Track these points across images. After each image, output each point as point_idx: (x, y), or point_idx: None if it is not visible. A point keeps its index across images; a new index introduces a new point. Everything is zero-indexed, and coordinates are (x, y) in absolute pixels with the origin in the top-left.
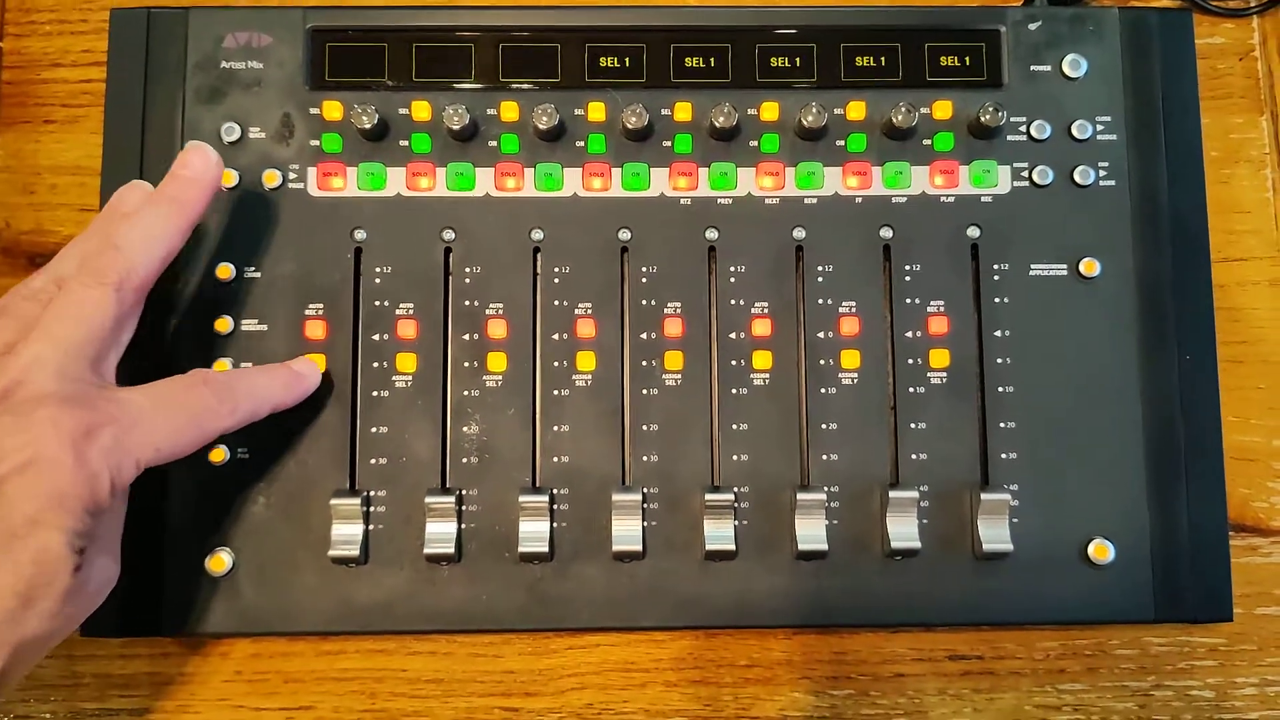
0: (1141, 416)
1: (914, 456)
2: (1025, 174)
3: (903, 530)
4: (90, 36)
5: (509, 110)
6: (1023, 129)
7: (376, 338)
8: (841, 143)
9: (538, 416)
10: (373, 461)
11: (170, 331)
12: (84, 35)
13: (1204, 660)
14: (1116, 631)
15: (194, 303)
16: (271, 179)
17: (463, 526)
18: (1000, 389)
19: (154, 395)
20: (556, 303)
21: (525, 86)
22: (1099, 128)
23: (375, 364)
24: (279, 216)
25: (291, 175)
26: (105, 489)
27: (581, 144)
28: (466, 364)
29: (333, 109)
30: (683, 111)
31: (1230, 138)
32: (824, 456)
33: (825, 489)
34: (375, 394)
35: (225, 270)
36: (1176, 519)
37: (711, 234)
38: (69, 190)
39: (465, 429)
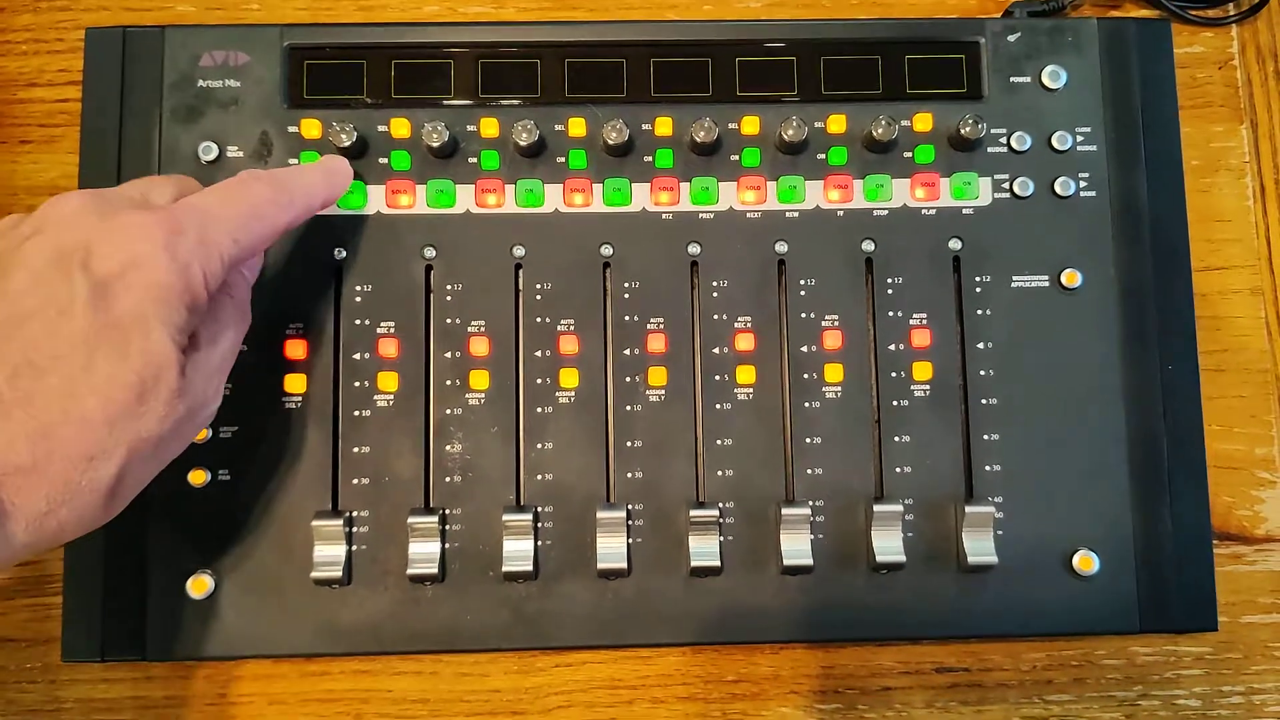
0: (1124, 427)
1: (898, 470)
2: (1006, 186)
3: (888, 544)
4: (66, 56)
5: (489, 127)
6: (1003, 140)
7: (357, 356)
8: (822, 156)
9: (521, 434)
10: (355, 481)
11: None
12: (60, 55)
13: (1190, 670)
14: (1103, 642)
15: None
16: None
17: (446, 546)
18: (983, 401)
19: (217, 194)
20: (539, 319)
21: (505, 103)
22: (1079, 138)
23: (356, 383)
24: None
25: None
26: (200, 284)
27: (562, 160)
28: (449, 382)
29: (311, 127)
30: (663, 126)
31: (1210, 146)
32: (808, 471)
33: (810, 503)
34: (357, 413)
35: None
36: (1161, 529)
37: (694, 249)
38: None
39: (448, 448)
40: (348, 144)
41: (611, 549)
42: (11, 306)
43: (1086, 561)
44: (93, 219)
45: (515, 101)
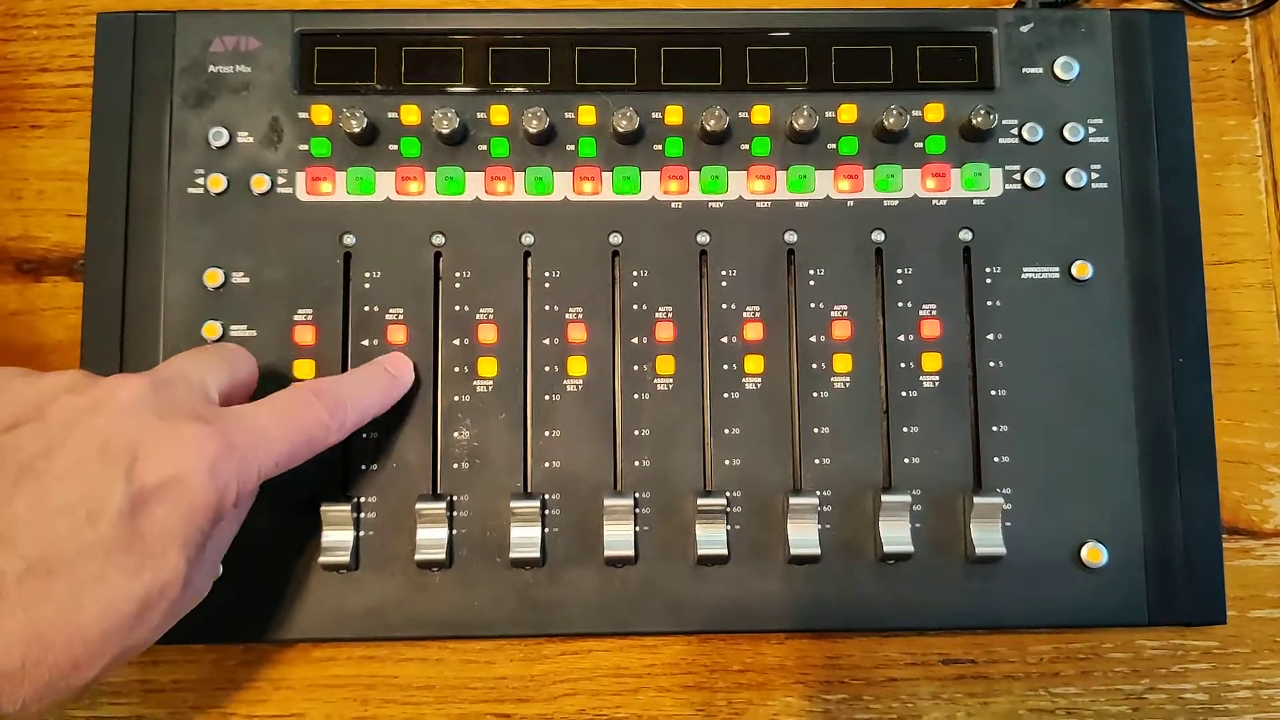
0: (1134, 420)
1: (906, 460)
2: (1017, 177)
3: (895, 534)
4: (77, 41)
5: (499, 114)
6: (1014, 132)
7: (366, 343)
8: (833, 146)
9: (529, 422)
10: (363, 467)
11: (160, 337)
12: (71, 40)
13: (1198, 663)
14: (1110, 635)
15: (183, 308)
16: (260, 184)
17: (454, 532)
18: (993, 392)
19: (274, 413)
20: (547, 307)
21: (515, 90)
22: (1091, 130)
23: None
24: (267, 221)
25: (280, 180)
26: (231, 502)
27: (572, 148)
28: (457, 369)
29: (321, 113)
30: (673, 115)
31: (1223, 140)
32: (816, 461)
33: (817, 493)
34: None
35: (214, 276)
36: (1170, 522)
37: (703, 238)
38: (56, 195)
39: (456, 434)
40: (357, 130)
41: (619, 537)
42: (47, 490)
43: (1095, 554)
44: (149, 417)
45: (525, 89)
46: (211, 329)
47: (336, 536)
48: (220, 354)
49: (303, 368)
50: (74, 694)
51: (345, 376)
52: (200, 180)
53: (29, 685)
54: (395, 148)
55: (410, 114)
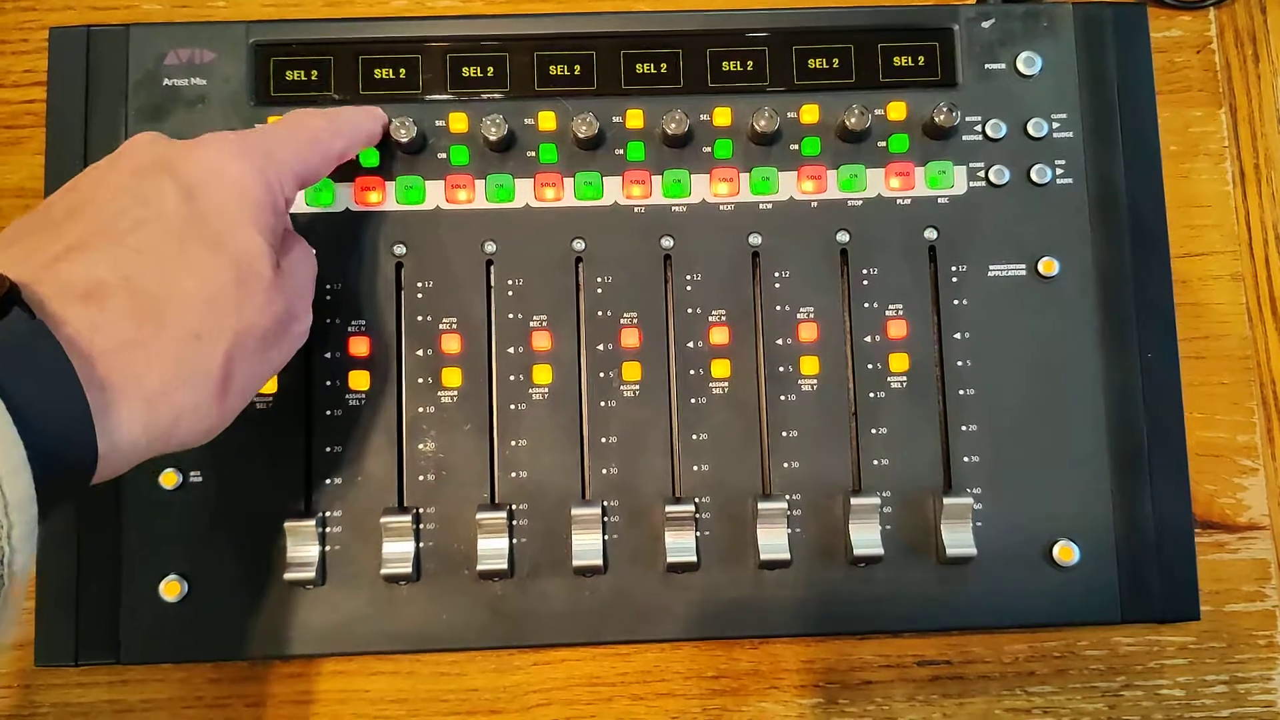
0: (1104, 415)
1: (875, 462)
2: (982, 174)
3: (865, 537)
4: (31, 56)
5: (458, 121)
6: (978, 128)
7: (328, 355)
8: (795, 147)
9: (495, 432)
10: (328, 481)
11: None
12: (25, 55)
13: (1173, 659)
14: (1085, 633)
15: None
16: None
17: (421, 545)
18: (961, 392)
19: (275, 125)
20: (511, 315)
21: (475, 97)
22: (1055, 125)
23: (328, 382)
24: None
25: None
26: (279, 193)
27: (533, 154)
28: (420, 380)
29: None
30: (634, 119)
31: (1189, 131)
32: (785, 464)
33: (787, 497)
34: (329, 413)
35: None
36: (1141, 518)
37: (667, 242)
38: (13, 212)
39: (421, 446)
40: None
41: (587, 546)
42: (102, 207)
43: (1067, 552)
44: (170, 143)
45: (485, 95)
46: None
47: (302, 552)
48: None
49: (266, 382)
50: (215, 384)
51: (333, 109)
52: None
53: (157, 357)
54: (354, 158)
55: None
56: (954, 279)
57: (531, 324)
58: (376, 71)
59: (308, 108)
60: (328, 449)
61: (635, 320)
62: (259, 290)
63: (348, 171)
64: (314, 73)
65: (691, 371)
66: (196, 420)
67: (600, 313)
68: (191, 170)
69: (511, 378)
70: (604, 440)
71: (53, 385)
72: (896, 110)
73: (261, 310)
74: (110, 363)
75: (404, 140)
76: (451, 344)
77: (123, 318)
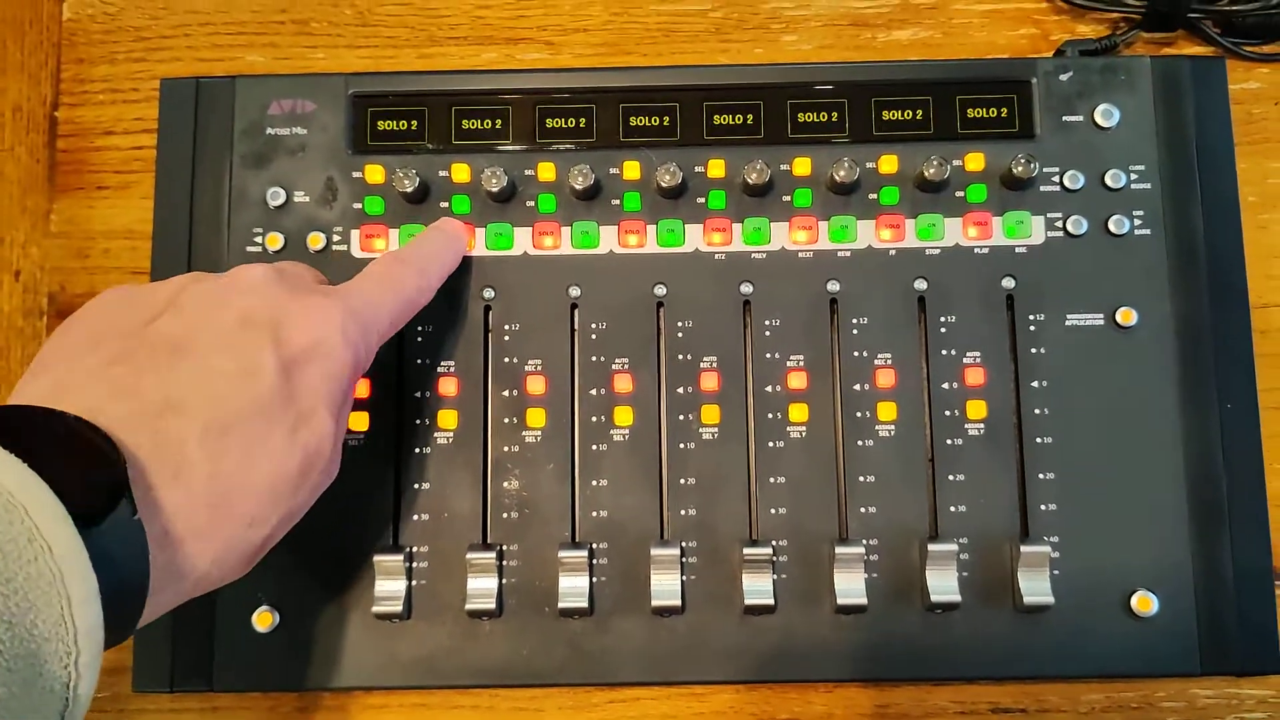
0: (1183, 466)
1: (952, 509)
2: (1059, 224)
3: (942, 583)
4: (141, 105)
5: (546, 171)
6: (1056, 179)
7: (419, 395)
8: (874, 196)
9: (576, 471)
10: (415, 518)
11: None
12: (135, 104)
13: (1252, 712)
14: (1162, 684)
15: None
16: (316, 241)
17: (503, 582)
18: (1038, 440)
19: (375, 281)
20: (594, 358)
21: (561, 147)
22: (1133, 176)
23: (418, 421)
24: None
25: (335, 237)
26: (362, 368)
27: (617, 202)
28: (506, 420)
29: (375, 172)
30: (716, 168)
31: (1268, 182)
32: (862, 509)
33: (864, 542)
34: (418, 450)
35: None
36: (1221, 569)
37: (746, 288)
38: (121, 254)
39: (505, 484)
40: (410, 189)
41: (666, 586)
42: (202, 361)
43: (1145, 602)
44: (280, 291)
45: (571, 146)
46: None
47: (389, 586)
48: (301, 265)
49: (357, 420)
50: (249, 559)
51: (412, 243)
52: (259, 239)
53: (214, 545)
54: (446, 205)
55: (460, 172)
56: (1031, 328)
57: (613, 366)
58: (467, 122)
59: (400, 252)
60: (416, 485)
61: (714, 364)
62: (317, 472)
63: (440, 218)
64: (409, 123)
65: (770, 415)
66: (220, 582)
67: (680, 356)
68: (297, 342)
69: (593, 419)
70: (683, 481)
71: (127, 554)
72: (974, 161)
73: (314, 491)
74: (177, 549)
75: (494, 189)
76: (536, 385)
77: (199, 505)
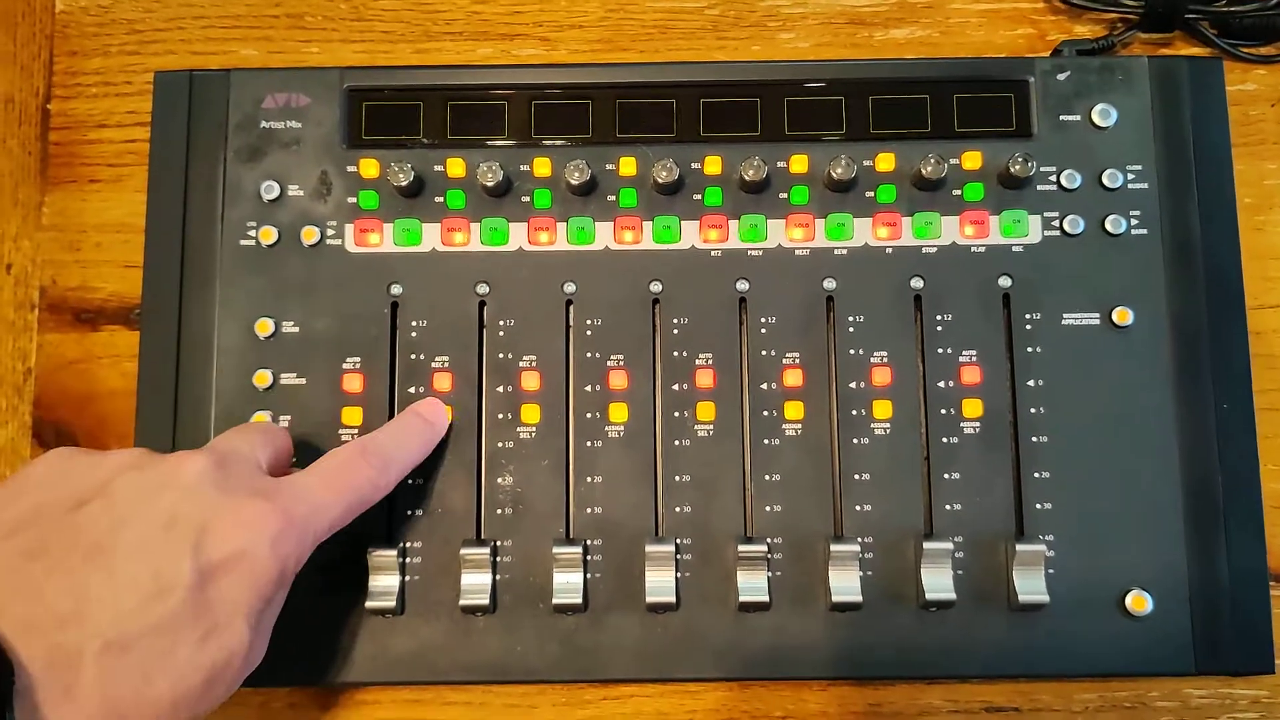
0: (1178, 466)
1: (948, 507)
2: (1056, 223)
3: (937, 581)
4: (134, 98)
5: (542, 166)
6: (1053, 178)
7: (412, 390)
8: (871, 194)
9: (571, 468)
10: (409, 513)
11: (212, 384)
12: (128, 97)
13: (1245, 712)
14: (1156, 683)
15: (234, 357)
16: (310, 235)
17: (497, 578)
18: (1034, 439)
19: (325, 479)
20: (589, 355)
21: (557, 143)
22: (1130, 176)
23: None
24: (317, 272)
25: (329, 232)
26: (291, 572)
27: (613, 198)
28: (500, 416)
29: (369, 167)
30: (713, 165)
31: (1265, 184)
32: (857, 507)
33: (859, 540)
34: None
35: (264, 325)
36: (1216, 569)
37: (742, 285)
38: (114, 247)
39: (500, 480)
40: (404, 183)
41: (660, 583)
42: (117, 567)
43: (1140, 601)
44: (213, 493)
45: (567, 141)
46: (262, 377)
47: (383, 581)
48: (264, 430)
49: (351, 414)
50: None
51: (385, 430)
52: (252, 232)
53: None
54: (441, 200)
55: (456, 167)
56: (1028, 326)
57: (609, 363)
58: (463, 117)
59: (362, 442)
60: (410, 481)
61: (710, 361)
62: (225, 685)
63: (435, 213)
64: (404, 117)
65: (765, 413)
66: None
67: (676, 353)
68: (219, 549)
69: (588, 415)
70: (678, 479)
71: None
72: (972, 160)
73: (220, 696)
74: None
75: (489, 184)
76: (531, 381)
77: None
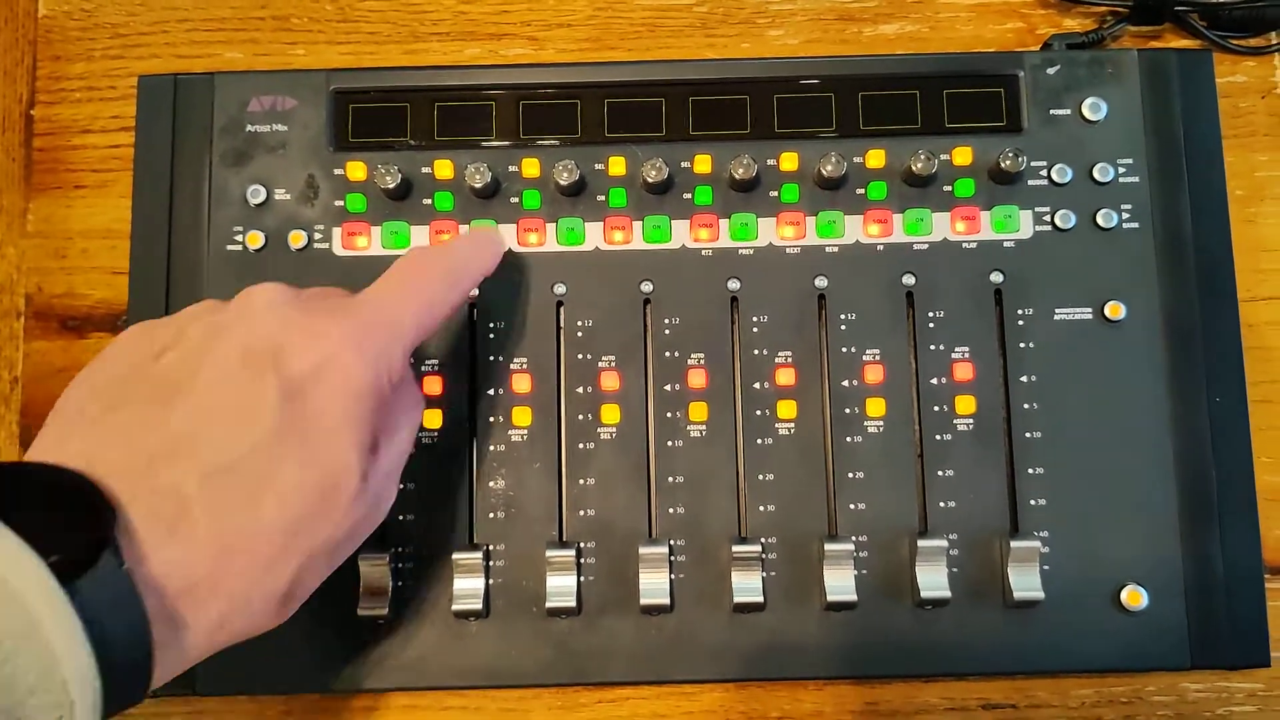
0: (1172, 460)
1: (942, 504)
2: (1047, 218)
3: (932, 579)
4: (119, 103)
5: (530, 167)
6: (1044, 173)
7: None
8: (861, 191)
9: (563, 470)
10: (401, 517)
11: None
12: (113, 102)
13: (1243, 706)
14: (1153, 678)
15: None
16: (297, 239)
17: (490, 582)
18: (1028, 434)
19: (395, 286)
20: (580, 356)
21: (546, 143)
22: (1121, 170)
23: None
24: (305, 276)
25: (317, 235)
26: (386, 382)
27: (602, 198)
28: (492, 419)
29: (356, 169)
30: (702, 164)
31: (1255, 175)
32: (851, 506)
33: (853, 539)
34: None
35: None
36: (1210, 563)
37: (733, 284)
38: (100, 254)
39: (492, 484)
40: (392, 186)
41: (654, 585)
42: (201, 401)
43: (1135, 596)
44: (285, 315)
45: (556, 141)
46: None
47: (376, 587)
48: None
49: None
50: (275, 605)
51: (449, 243)
52: (239, 237)
53: (223, 596)
54: (429, 202)
55: (444, 169)
56: (1020, 322)
57: (600, 364)
58: (450, 118)
59: (422, 253)
60: (402, 485)
61: (702, 361)
62: (342, 505)
63: (423, 215)
64: (391, 119)
65: (758, 412)
66: (252, 631)
67: (668, 353)
68: (302, 364)
69: (580, 417)
70: (671, 480)
71: (123, 618)
72: (962, 155)
73: (339, 524)
74: (180, 601)
75: (477, 186)
76: (522, 384)
77: (201, 555)
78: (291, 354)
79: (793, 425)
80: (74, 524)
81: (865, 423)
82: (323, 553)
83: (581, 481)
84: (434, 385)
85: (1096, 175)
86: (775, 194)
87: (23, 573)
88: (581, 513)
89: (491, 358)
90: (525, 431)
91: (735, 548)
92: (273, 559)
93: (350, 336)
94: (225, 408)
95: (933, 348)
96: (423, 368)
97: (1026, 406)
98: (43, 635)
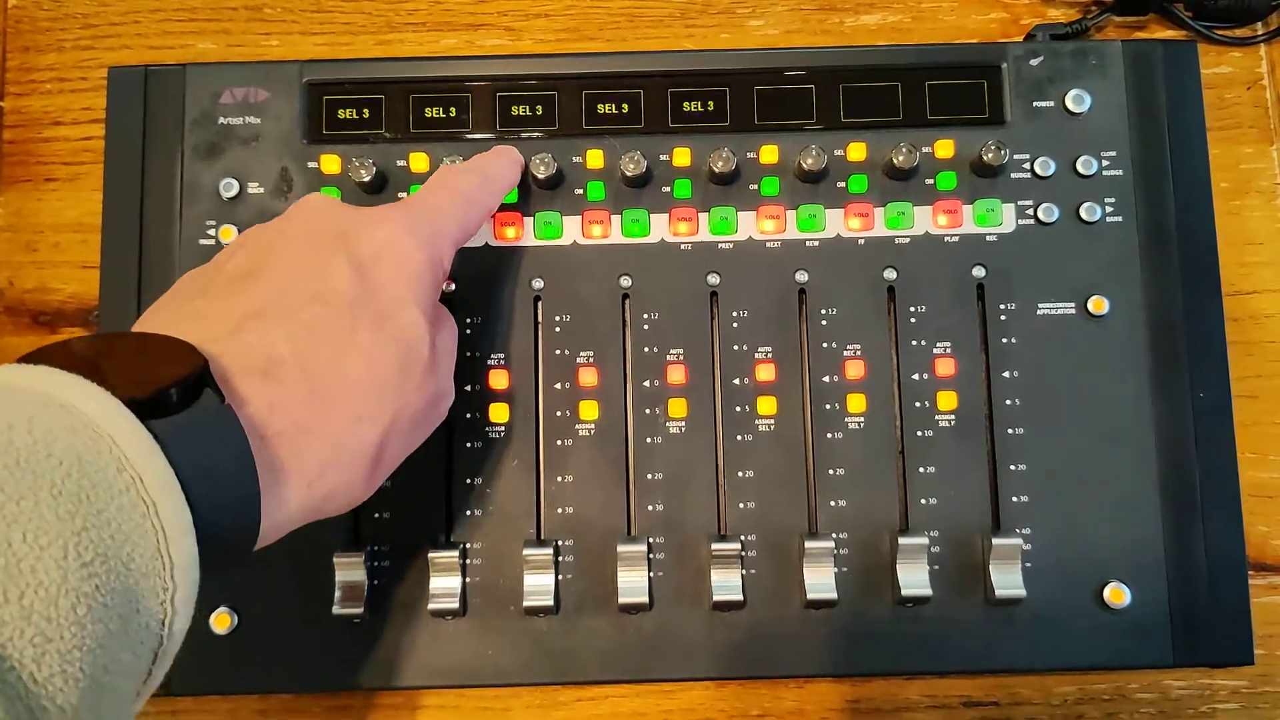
0: (1155, 456)
1: (923, 501)
2: (1030, 212)
3: (913, 577)
4: (90, 94)
5: None
6: (1026, 166)
7: None
8: (842, 184)
9: (541, 467)
10: (376, 515)
11: None
12: (84, 93)
13: (1225, 703)
14: (1135, 675)
15: None
16: None
17: (467, 580)
18: (1010, 431)
19: (434, 190)
20: (558, 352)
21: (523, 135)
22: (1104, 163)
23: None
24: None
25: None
26: (440, 266)
27: (580, 191)
28: (469, 415)
29: (330, 162)
30: (681, 157)
31: (1240, 168)
32: (832, 503)
33: (834, 536)
34: None
35: None
36: (1194, 560)
37: (713, 279)
38: (71, 248)
39: (469, 481)
40: (367, 179)
41: (633, 583)
42: (277, 275)
43: (1118, 594)
44: (342, 207)
45: (533, 134)
46: None
47: (350, 586)
48: None
49: None
50: (367, 463)
51: (476, 157)
52: (211, 231)
53: (320, 441)
54: (404, 195)
55: (419, 161)
56: (1003, 317)
57: (578, 360)
58: (427, 110)
59: (455, 165)
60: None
61: (681, 357)
62: (418, 371)
63: None
64: (365, 111)
65: (738, 408)
66: (345, 496)
67: (646, 349)
68: (366, 246)
69: (558, 414)
70: (650, 477)
71: (229, 461)
72: (944, 148)
73: (418, 390)
74: (280, 443)
75: None
76: (499, 380)
77: (296, 398)
78: (355, 237)
79: (773, 421)
80: (166, 373)
81: (846, 419)
82: (406, 420)
83: (559, 479)
84: None
85: (1080, 168)
86: (755, 187)
87: (132, 442)
88: (559, 510)
89: (468, 353)
90: (503, 428)
91: (715, 545)
92: (361, 414)
93: (405, 223)
94: (302, 278)
95: (914, 343)
96: None
97: (1009, 402)
98: (151, 512)
